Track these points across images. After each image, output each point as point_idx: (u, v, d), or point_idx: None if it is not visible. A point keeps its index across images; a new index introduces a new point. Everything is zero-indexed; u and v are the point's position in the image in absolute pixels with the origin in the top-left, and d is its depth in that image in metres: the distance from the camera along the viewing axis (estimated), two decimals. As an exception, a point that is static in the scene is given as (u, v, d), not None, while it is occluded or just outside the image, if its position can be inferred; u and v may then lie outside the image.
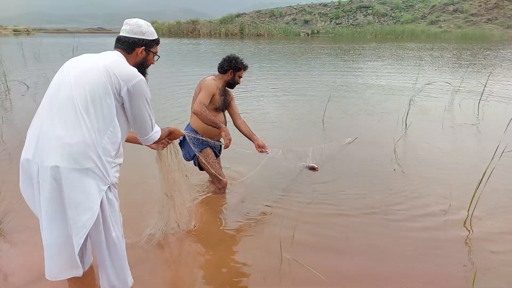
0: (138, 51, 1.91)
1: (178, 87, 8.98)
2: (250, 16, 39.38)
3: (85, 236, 1.69)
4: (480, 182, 2.94)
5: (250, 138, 3.32)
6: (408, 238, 2.70)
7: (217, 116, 3.10)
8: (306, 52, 18.93)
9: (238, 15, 39.58)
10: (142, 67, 1.94)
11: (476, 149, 4.68)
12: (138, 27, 1.91)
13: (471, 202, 2.96)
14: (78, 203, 1.66)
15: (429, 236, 2.73)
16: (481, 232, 2.78)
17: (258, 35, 34.53)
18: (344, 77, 10.64)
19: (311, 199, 3.27)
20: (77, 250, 1.69)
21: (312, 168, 3.92)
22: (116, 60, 1.79)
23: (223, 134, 2.97)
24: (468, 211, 2.97)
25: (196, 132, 3.12)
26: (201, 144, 3.05)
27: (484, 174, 2.92)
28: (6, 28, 42.72)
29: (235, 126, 3.33)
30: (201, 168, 3.31)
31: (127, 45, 1.89)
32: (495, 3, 32.36)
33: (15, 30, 42.29)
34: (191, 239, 2.65)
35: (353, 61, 15.21)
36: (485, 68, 11.89)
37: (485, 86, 7.07)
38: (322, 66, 13.52)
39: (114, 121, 1.74)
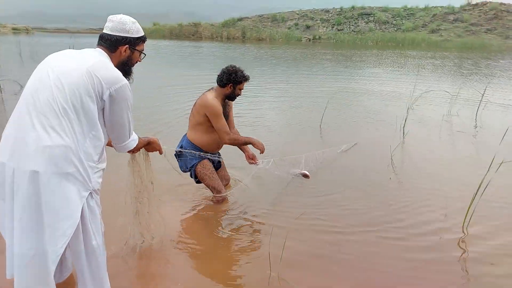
0: (121, 50, 1.82)
1: (181, 88, 8.93)
2: (252, 20, 39.45)
3: (65, 245, 1.60)
4: (475, 194, 2.87)
5: (241, 148, 3.25)
6: (403, 257, 2.59)
7: (214, 135, 3.01)
8: (308, 57, 18.90)
9: (240, 19, 39.63)
10: (126, 66, 1.86)
11: (473, 158, 4.62)
12: (122, 24, 1.81)
13: (466, 215, 2.89)
14: (57, 210, 1.58)
15: (425, 254, 2.64)
16: (477, 246, 2.72)
17: (259, 40, 34.53)
18: (344, 83, 10.59)
19: (302, 212, 3.17)
20: (56, 261, 1.58)
21: (305, 176, 3.83)
22: (99, 61, 1.71)
23: (257, 146, 3.03)
24: (463, 225, 2.90)
25: (194, 145, 3.05)
26: (198, 156, 3.01)
27: (479, 186, 2.86)
28: (5, 27, 42.47)
29: None
30: (197, 181, 3.21)
31: (109, 43, 1.80)
32: (494, 14, 32.49)
33: (14, 29, 42.01)
34: (176, 251, 2.56)
35: (354, 67, 15.19)
36: (486, 77, 11.86)
37: (483, 94, 7.03)
38: (322, 71, 13.48)
39: (96, 124, 1.67)
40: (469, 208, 2.88)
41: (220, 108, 2.88)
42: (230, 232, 2.85)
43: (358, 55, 20.18)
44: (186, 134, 3.13)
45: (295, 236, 2.73)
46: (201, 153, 3.04)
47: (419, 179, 3.88)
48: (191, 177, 3.20)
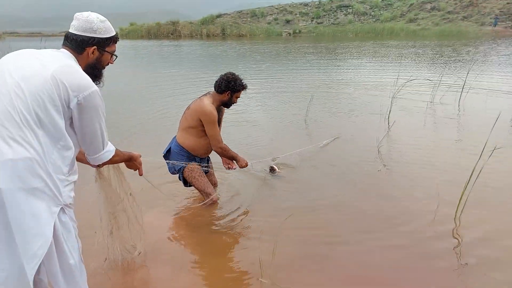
0: (89, 51, 1.65)
1: (163, 90, 8.70)
2: (232, 17, 39.08)
3: (37, 266, 1.46)
4: (467, 183, 2.84)
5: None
6: (396, 249, 2.55)
7: (205, 139, 2.94)
8: (292, 52, 18.81)
9: (219, 16, 39.18)
10: (95, 69, 1.69)
11: (461, 145, 4.62)
12: (88, 23, 1.64)
13: (459, 203, 2.86)
14: (26, 229, 1.42)
15: (419, 244, 2.60)
16: (471, 234, 2.69)
17: (240, 36, 34.25)
18: (328, 76, 10.57)
19: (290, 211, 3.06)
20: (29, 284, 1.44)
21: (272, 170, 3.71)
22: (65, 65, 1.54)
23: (241, 164, 3.05)
24: (455, 215, 2.87)
25: (183, 148, 2.98)
26: (187, 158, 2.97)
27: (471, 174, 2.83)
28: (-29, 33, 40.67)
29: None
30: (186, 184, 3.12)
31: (75, 44, 1.63)
32: (470, 1, 33.13)
33: (-19, 35, 40.30)
34: (160, 263, 2.42)
35: (336, 59, 15.20)
36: (467, 64, 12.04)
37: (465, 81, 7.09)
38: (307, 65, 13.43)
39: (64, 134, 1.51)
40: (461, 197, 2.84)
41: (216, 115, 2.83)
42: (217, 240, 2.73)
43: (341, 47, 20.24)
44: (175, 136, 3.03)
45: (285, 239, 2.61)
46: (186, 162, 2.97)
47: (408, 169, 3.85)
48: (180, 179, 3.11)
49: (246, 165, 3.11)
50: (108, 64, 1.77)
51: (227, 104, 2.94)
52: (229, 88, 2.85)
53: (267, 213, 3.08)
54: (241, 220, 2.98)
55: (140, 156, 2.03)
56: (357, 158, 4.18)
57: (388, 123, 5.50)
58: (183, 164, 2.96)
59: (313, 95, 6.76)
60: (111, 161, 1.81)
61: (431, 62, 13.43)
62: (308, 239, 2.68)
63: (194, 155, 3.01)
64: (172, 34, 36.19)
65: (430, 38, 26.44)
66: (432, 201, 3.09)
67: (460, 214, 2.85)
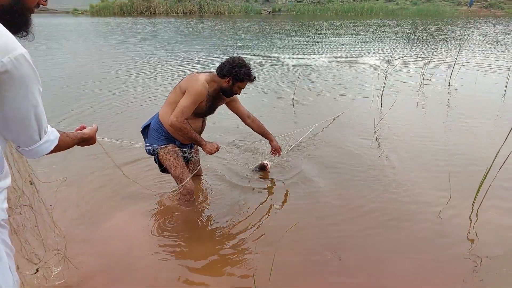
0: None
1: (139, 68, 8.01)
2: (208, -6, 37.47)
3: None
4: (488, 171, 2.51)
5: (264, 136, 2.94)
6: (410, 244, 2.25)
7: (193, 122, 2.48)
8: (275, 30, 18.11)
9: (196, -7, 37.50)
10: (16, 13, 1.10)
11: (456, 126, 4.34)
12: None
13: (476, 195, 2.55)
14: None
15: (434, 237, 2.31)
16: (488, 227, 2.39)
17: (217, 14, 32.95)
18: (315, 55, 10.11)
19: (286, 211, 2.70)
20: None
21: (263, 167, 3.20)
22: None
23: (206, 149, 2.49)
24: (472, 206, 2.57)
25: (162, 127, 2.53)
26: (165, 138, 2.55)
27: (493, 162, 2.50)
28: None
29: (246, 124, 2.88)
30: (162, 169, 2.66)
31: None
32: (447, -19, 33.12)
33: None
34: (130, 282, 1.99)
35: (322, 37, 14.70)
36: (456, 41, 11.86)
37: (456, 58, 6.83)
38: (291, 43, 12.86)
39: None
40: (478, 189, 2.54)
41: (202, 92, 2.38)
42: (202, 250, 2.30)
43: (323, 26, 19.70)
44: (157, 113, 2.59)
45: (285, 238, 2.24)
46: (161, 146, 2.53)
47: (413, 158, 3.49)
48: (155, 162, 2.66)
49: (217, 150, 2.51)
50: (37, 6, 1.21)
51: (227, 92, 2.49)
52: (231, 74, 2.41)
53: (259, 215, 2.67)
54: (230, 224, 2.56)
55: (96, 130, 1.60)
56: (353, 144, 3.80)
57: (381, 103, 5.17)
58: (155, 149, 2.50)
59: (300, 73, 6.32)
60: (55, 151, 1.30)
61: (421, 39, 13.17)
62: (310, 244, 2.31)
63: (174, 138, 2.56)
64: (146, 12, 34.41)
65: (409, 17, 26.33)
66: (444, 194, 2.76)
67: (478, 207, 2.55)
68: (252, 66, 2.49)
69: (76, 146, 1.50)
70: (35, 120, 1.12)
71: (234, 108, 2.78)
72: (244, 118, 2.83)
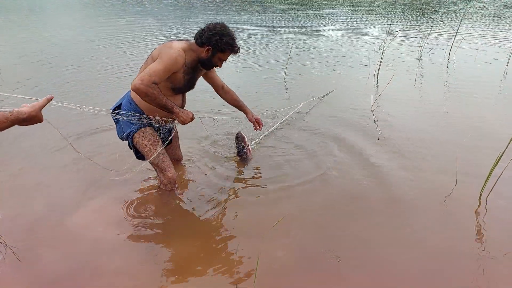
0: None
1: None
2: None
3: None
4: (501, 156, 2.25)
5: (239, 109, 2.64)
6: (415, 237, 2.01)
7: (172, 100, 2.14)
8: (270, 2, 17.34)
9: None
10: None
11: (460, 104, 4.06)
12: None
13: (486, 181, 2.30)
14: None
15: (440, 230, 2.08)
16: (496, 215, 2.16)
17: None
18: (308, 27, 9.63)
19: (274, 201, 2.41)
20: None
21: (240, 138, 2.79)
22: None
23: (180, 117, 2.10)
24: (481, 193, 2.33)
25: (136, 106, 2.15)
26: (137, 121, 2.16)
27: (507, 146, 2.23)
28: None
29: (219, 95, 2.58)
30: (138, 155, 2.32)
31: None
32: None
33: None
34: (102, 280, 1.74)
35: (315, 9, 14.07)
36: (456, 14, 11.42)
37: (456, 31, 6.46)
38: (287, 16, 12.27)
39: None
40: (489, 174, 2.28)
41: (177, 60, 2.01)
42: (182, 247, 2.03)
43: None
44: (129, 91, 2.20)
45: (273, 238, 1.98)
46: (143, 116, 2.15)
47: (412, 137, 3.21)
48: (130, 148, 2.31)
49: (191, 119, 2.15)
50: None
51: (205, 64, 2.15)
52: (210, 43, 2.06)
53: (252, 212, 2.38)
54: (215, 218, 2.28)
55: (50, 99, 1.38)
56: (348, 125, 3.50)
57: (377, 81, 4.85)
58: (137, 120, 2.14)
59: (292, 47, 5.92)
60: None
61: (421, 12, 12.67)
62: (306, 244, 2.05)
63: (150, 118, 2.21)
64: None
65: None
66: (450, 179, 2.51)
67: (488, 195, 2.31)
68: (236, 35, 2.13)
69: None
70: None
71: (208, 78, 2.46)
72: (218, 88, 2.54)
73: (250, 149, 2.84)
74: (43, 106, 1.33)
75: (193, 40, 2.14)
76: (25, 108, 1.28)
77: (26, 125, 1.31)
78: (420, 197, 2.37)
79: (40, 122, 1.34)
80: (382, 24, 9.05)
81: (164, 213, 2.26)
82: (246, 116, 2.65)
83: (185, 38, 2.19)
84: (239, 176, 2.68)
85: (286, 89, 4.78)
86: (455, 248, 1.95)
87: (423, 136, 3.21)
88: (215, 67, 2.21)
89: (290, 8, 14.37)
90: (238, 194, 2.46)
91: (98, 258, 1.89)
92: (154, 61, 2.01)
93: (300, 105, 3.76)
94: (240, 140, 2.80)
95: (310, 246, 1.97)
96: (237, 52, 2.15)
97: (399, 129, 3.37)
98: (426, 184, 2.51)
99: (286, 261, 1.87)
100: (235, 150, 2.88)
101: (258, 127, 2.68)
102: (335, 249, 1.93)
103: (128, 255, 1.93)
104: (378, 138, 3.15)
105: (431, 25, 8.15)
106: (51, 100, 1.36)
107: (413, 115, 3.74)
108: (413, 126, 3.44)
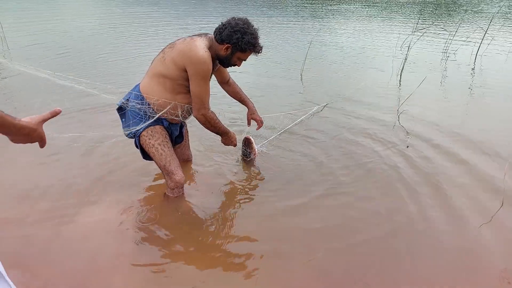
0: None
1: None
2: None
3: None
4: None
5: (242, 103, 2.42)
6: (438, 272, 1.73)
7: (186, 97, 1.99)
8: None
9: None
10: None
11: (493, 114, 3.75)
12: None
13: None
14: None
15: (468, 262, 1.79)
16: None
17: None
18: (326, 23, 9.30)
19: (291, 211, 2.18)
20: None
21: (247, 143, 2.54)
22: None
23: (227, 141, 2.24)
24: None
25: (146, 102, 1.97)
26: (148, 118, 1.99)
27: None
28: None
29: (222, 88, 2.38)
30: (145, 155, 2.12)
31: None
32: None
33: None
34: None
35: (334, 4, 13.69)
36: (486, 15, 10.95)
37: (485, 31, 6.08)
38: (301, 10, 11.94)
39: None
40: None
41: (210, 68, 1.91)
42: (188, 268, 1.80)
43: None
44: (139, 83, 2.03)
45: (286, 260, 1.74)
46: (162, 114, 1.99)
47: (447, 148, 2.88)
48: (136, 146, 2.11)
49: (234, 145, 2.21)
50: None
51: (224, 62, 2.01)
52: (231, 41, 1.89)
53: (267, 223, 2.15)
54: (230, 231, 2.05)
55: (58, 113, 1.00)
56: (370, 130, 3.22)
57: (400, 84, 4.54)
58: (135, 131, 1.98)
59: (310, 43, 5.63)
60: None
61: (446, 10, 12.18)
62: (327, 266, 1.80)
63: (161, 117, 2.02)
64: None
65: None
66: (495, 196, 2.23)
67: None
68: (259, 33, 1.94)
69: None
70: None
71: (218, 70, 2.23)
72: (224, 82, 2.34)
73: (257, 152, 2.58)
74: (46, 119, 0.99)
75: (212, 34, 1.96)
76: (24, 118, 0.96)
77: (22, 140, 0.97)
78: (457, 218, 2.10)
79: (41, 140, 1.00)
80: (406, 21, 8.67)
81: (171, 222, 2.03)
82: (248, 111, 2.42)
83: (203, 33, 2.01)
84: (251, 183, 2.44)
85: (303, 88, 4.51)
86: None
87: (460, 146, 2.90)
88: (234, 66, 2.02)
89: (316, 3, 13.98)
90: (251, 203, 2.22)
91: (96, 277, 1.67)
92: (178, 66, 1.88)
93: (300, 118, 3.32)
94: (247, 145, 2.54)
95: (334, 271, 1.73)
96: (259, 52, 1.97)
97: (428, 137, 3.06)
98: (465, 203, 2.23)
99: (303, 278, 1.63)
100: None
101: (257, 127, 2.45)
102: (361, 275, 1.68)
103: (129, 273, 1.71)
104: (408, 146, 2.87)
105: (459, 24, 7.74)
106: (57, 114, 1.01)
107: (442, 123, 3.42)
108: (445, 133, 3.13)
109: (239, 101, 2.42)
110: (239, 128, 2.99)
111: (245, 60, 2.01)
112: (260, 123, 2.44)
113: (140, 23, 8.77)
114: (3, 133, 0.91)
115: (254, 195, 2.32)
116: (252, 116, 2.42)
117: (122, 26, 8.63)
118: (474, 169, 2.57)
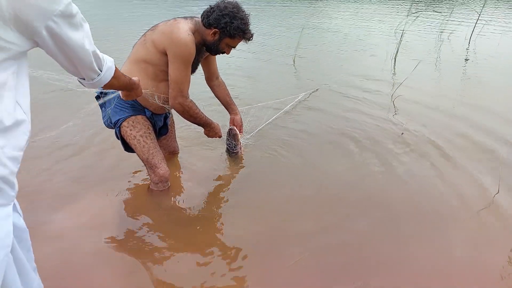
0: None
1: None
2: None
3: None
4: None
5: (226, 107, 2.30)
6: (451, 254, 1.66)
7: (166, 84, 1.85)
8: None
9: None
10: None
11: (483, 99, 3.66)
12: None
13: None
14: None
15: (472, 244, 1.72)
16: None
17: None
18: (320, 7, 9.10)
19: (284, 209, 2.08)
20: None
21: (233, 135, 2.31)
22: None
23: (210, 133, 2.11)
24: None
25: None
26: (131, 107, 1.88)
27: None
28: None
29: (209, 86, 2.24)
30: (126, 147, 1.99)
31: None
32: None
33: None
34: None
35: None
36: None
37: (479, 13, 5.97)
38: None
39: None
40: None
41: (192, 53, 1.78)
42: (172, 265, 1.69)
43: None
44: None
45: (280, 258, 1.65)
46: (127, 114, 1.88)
47: (442, 134, 2.77)
48: (117, 137, 1.98)
49: (219, 137, 2.11)
50: None
51: (211, 48, 1.87)
52: (218, 25, 1.77)
53: (258, 221, 2.04)
54: (219, 226, 1.95)
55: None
56: (367, 117, 3.09)
57: (394, 69, 4.42)
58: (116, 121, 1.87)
59: (303, 28, 5.47)
60: (108, 87, 1.18)
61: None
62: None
63: (143, 106, 1.91)
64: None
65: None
66: (492, 184, 2.15)
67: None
68: (250, 19, 1.82)
69: None
70: (89, 52, 0.93)
71: (205, 62, 2.11)
72: (211, 78, 2.21)
73: (242, 146, 2.41)
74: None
75: (199, 17, 1.82)
76: (135, 78, 1.34)
77: (129, 95, 1.38)
78: (455, 206, 2.02)
79: (140, 95, 1.42)
80: (400, 5, 8.50)
81: (154, 218, 1.92)
82: (233, 115, 2.28)
83: (189, 16, 1.88)
84: (239, 177, 2.32)
85: (295, 73, 4.38)
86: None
87: (455, 132, 2.80)
88: (222, 53, 1.89)
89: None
90: (239, 199, 2.12)
91: (73, 277, 1.57)
92: (159, 49, 1.75)
93: (288, 106, 3.18)
94: (232, 137, 2.32)
95: (330, 268, 1.64)
96: (249, 39, 1.85)
97: (424, 123, 2.95)
98: (462, 190, 2.15)
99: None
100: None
101: (240, 133, 2.33)
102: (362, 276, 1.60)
103: (107, 272, 1.60)
104: (402, 133, 2.77)
105: (453, 6, 7.61)
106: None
107: (438, 106, 3.32)
108: (441, 119, 3.03)
109: (224, 105, 2.29)
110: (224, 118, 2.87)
111: (234, 47, 1.88)
112: (240, 129, 2.30)
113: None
114: (122, 89, 1.33)
115: (241, 190, 2.21)
116: (233, 121, 2.28)
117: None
118: (472, 149, 2.51)
